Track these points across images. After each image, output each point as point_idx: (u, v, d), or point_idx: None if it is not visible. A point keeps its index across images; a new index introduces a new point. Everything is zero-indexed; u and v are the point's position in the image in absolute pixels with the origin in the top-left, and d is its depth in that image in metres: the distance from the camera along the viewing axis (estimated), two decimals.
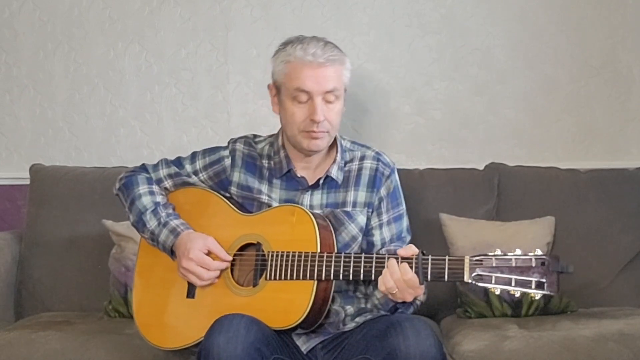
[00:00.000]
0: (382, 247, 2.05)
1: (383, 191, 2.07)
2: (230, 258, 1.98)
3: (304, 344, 1.96)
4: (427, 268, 1.77)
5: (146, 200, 2.07)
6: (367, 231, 2.06)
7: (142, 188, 2.09)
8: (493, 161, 2.71)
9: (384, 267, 1.80)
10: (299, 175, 2.04)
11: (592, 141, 2.85)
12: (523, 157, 2.82)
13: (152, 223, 2.03)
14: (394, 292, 1.79)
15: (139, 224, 2.06)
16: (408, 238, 2.09)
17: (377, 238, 2.06)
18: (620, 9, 2.82)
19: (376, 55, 2.87)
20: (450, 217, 2.54)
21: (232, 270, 1.98)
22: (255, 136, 2.15)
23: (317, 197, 2.04)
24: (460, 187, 2.64)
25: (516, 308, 2.40)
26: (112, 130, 2.94)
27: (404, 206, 2.10)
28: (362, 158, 2.09)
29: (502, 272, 1.70)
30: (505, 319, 2.36)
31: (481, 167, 2.70)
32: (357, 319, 1.99)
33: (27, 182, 2.78)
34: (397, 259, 1.79)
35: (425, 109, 2.87)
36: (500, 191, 2.64)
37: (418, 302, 1.93)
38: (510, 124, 2.86)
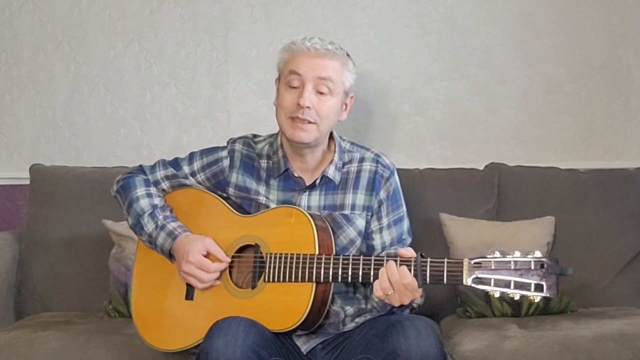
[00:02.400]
0: (383, 250, 2.04)
1: (383, 194, 2.05)
2: (229, 259, 1.97)
3: (304, 345, 1.96)
4: (425, 271, 1.75)
5: (144, 203, 2.06)
6: (367, 235, 2.04)
7: (140, 190, 2.08)
8: (493, 161, 2.71)
9: None
10: (296, 175, 2.03)
11: (592, 141, 2.85)
12: (523, 157, 2.82)
13: (149, 226, 2.02)
14: (389, 292, 1.77)
15: (137, 227, 2.05)
16: (409, 240, 2.07)
17: (377, 242, 2.04)
18: (620, 9, 2.82)
19: (376, 55, 2.87)
20: (450, 217, 2.54)
21: (230, 272, 1.97)
22: (254, 136, 2.14)
23: (315, 198, 2.03)
24: (460, 187, 2.64)
25: (516, 308, 2.40)
26: (112, 130, 2.94)
27: (404, 208, 2.08)
28: (361, 160, 2.07)
29: (501, 275, 1.68)
30: (505, 319, 2.36)
31: (481, 167, 2.70)
32: (357, 320, 1.99)
33: (27, 182, 2.78)
34: (396, 261, 1.78)
35: (425, 109, 2.87)
36: (500, 191, 2.64)
37: (414, 305, 1.92)
38: (510, 124, 2.86)
